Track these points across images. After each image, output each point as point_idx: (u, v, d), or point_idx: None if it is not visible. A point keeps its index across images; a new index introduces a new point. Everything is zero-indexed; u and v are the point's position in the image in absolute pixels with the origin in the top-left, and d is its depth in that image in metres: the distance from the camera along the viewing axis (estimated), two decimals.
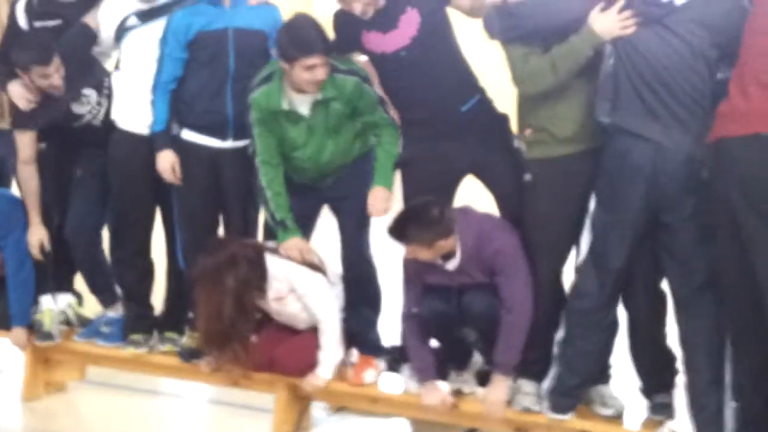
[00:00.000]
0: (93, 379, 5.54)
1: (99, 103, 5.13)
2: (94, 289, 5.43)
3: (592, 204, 4.15)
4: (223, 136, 4.88)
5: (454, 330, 4.53)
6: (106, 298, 5.39)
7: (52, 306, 5.36)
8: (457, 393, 4.54)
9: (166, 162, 4.91)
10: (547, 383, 4.33)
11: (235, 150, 4.89)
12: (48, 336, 5.28)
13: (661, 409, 4.33)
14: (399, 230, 4.27)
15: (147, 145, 4.99)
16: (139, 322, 5.23)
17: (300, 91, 4.55)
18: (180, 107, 4.90)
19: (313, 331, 4.72)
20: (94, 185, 5.23)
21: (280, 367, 4.76)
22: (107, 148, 5.12)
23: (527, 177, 4.31)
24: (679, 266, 4.06)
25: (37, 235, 5.22)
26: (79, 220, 5.24)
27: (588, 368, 4.27)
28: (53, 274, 5.37)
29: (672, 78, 3.90)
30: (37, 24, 5.14)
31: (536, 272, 4.33)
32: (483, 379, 4.56)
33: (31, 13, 5.15)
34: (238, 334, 4.62)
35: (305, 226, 4.82)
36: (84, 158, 5.23)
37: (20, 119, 5.12)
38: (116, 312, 5.34)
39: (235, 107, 4.80)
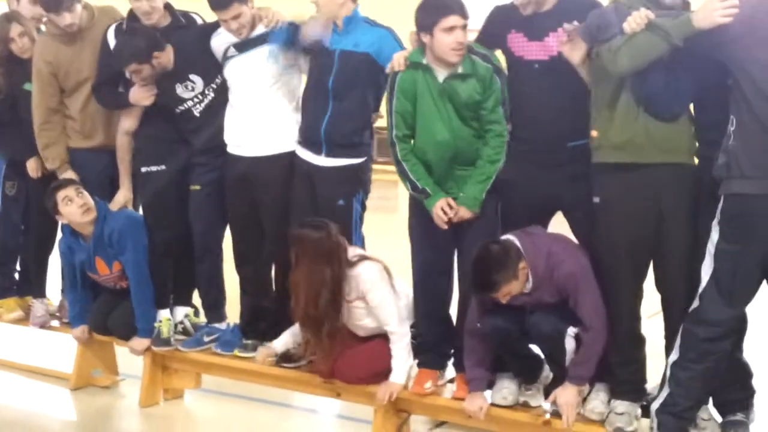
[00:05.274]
0: (209, 388, 5.78)
1: (203, 93, 5.38)
2: (206, 303, 5.68)
3: (714, 233, 4.03)
4: (317, 151, 5.07)
5: (517, 345, 4.58)
6: (213, 314, 5.64)
7: (170, 315, 5.65)
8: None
9: None
10: (657, 404, 4.25)
11: (328, 168, 5.06)
12: (166, 342, 5.59)
13: (733, 428, 4.27)
14: (487, 284, 4.33)
15: (253, 167, 5.25)
16: (253, 330, 5.44)
17: (442, 63, 4.59)
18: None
19: (372, 343, 4.90)
20: (211, 201, 5.48)
21: (341, 376, 4.94)
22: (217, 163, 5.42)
23: (596, 200, 4.33)
24: None
25: (123, 197, 5.70)
26: (204, 236, 5.52)
27: (703, 391, 4.21)
28: (173, 290, 5.69)
29: None
30: None
31: (614, 292, 4.35)
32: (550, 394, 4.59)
33: (121, 36, 5.47)
34: (330, 324, 4.76)
35: None
36: (196, 173, 5.48)
37: (126, 99, 5.50)
38: (222, 324, 5.58)
39: (329, 125, 5.00)
